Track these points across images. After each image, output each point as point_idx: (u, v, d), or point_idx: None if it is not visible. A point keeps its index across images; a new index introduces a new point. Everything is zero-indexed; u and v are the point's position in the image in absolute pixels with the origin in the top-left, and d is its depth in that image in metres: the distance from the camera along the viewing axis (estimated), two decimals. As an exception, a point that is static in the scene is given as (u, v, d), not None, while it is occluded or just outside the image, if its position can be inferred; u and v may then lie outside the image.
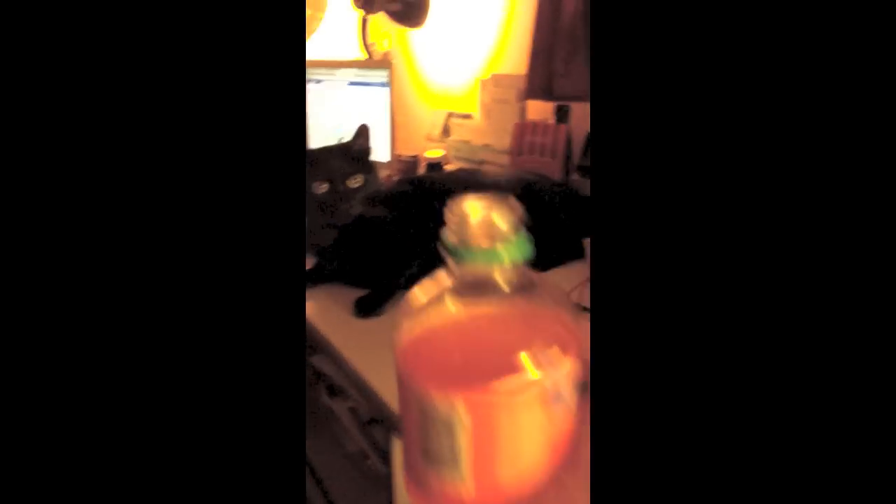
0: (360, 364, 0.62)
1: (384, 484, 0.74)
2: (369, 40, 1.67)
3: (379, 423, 0.75)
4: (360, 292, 0.76)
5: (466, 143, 1.27)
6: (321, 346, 0.71)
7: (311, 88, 1.39)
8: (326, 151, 0.78)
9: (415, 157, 1.30)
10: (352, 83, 1.29)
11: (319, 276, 0.82)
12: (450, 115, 1.41)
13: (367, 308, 0.72)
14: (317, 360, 0.87)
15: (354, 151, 0.78)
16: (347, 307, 0.74)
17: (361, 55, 1.68)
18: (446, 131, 1.41)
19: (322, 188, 0.75)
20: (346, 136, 0.80)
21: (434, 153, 1.19)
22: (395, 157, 1.28)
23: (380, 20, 1.53)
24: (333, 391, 0.86)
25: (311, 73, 1.38)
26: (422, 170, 1.25)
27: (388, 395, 0.55)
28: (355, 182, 0.76)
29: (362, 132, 0.78)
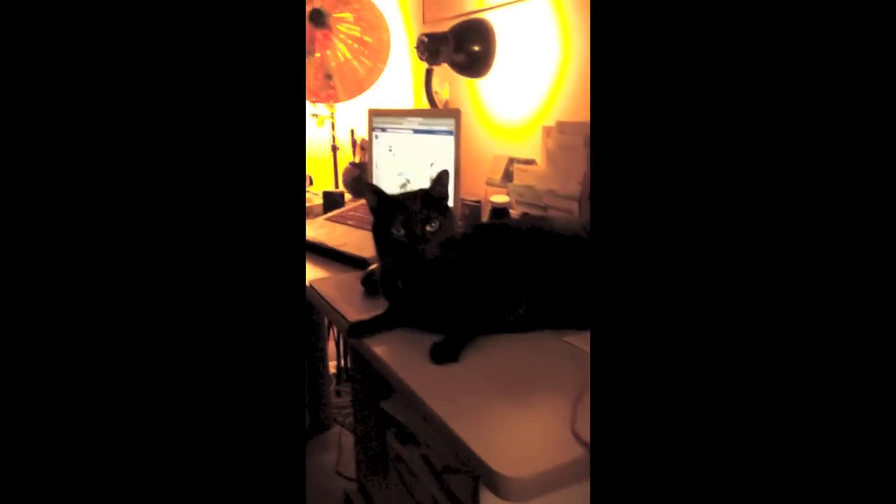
0: (439, 410, 0.61)
1: (458, 536, 0.72)
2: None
3: (455, 472, 0.73)
4: (435, 337, 0.75)
5: (530, 188, 1.27)
6: (398, 391, 0.70)
7: (377, 136, 1.43)
8: (405, 196, 0.80)
9: (478, 201, 1.32)
10: (417, 131, 1.32)
11: (393, 320, 0.82)
12: (511, 160, 1.43)
13: (443, 355, 0.72)
14: (387, 406, 0.87)
15: (433, 196, 0.79)
16: (422, 352, 0.74)
17: (417, 103, 1.73)
18: (507, 176, 1.42)
19: (400, 232, 0.77)
20: (412, 182, 0.81)
21: (499, 198, 1.20)
22: (460, 202, 1.30)
23: (443, 71, 1.58)
24: (404, 438, 0.85)
25: (377, 122, 1.43)
26: (485, 214, 1.26)
27: (471, 441, 0.54)
28: (433, 226, 0.77)
29: (441, 178, 0.79)
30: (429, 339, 0.75)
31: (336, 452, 1.79)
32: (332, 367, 2.19)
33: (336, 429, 1.93)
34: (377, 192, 0.80)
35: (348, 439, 1.85)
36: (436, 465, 0.77)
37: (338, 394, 2.10)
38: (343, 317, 0.87)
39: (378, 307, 0.86)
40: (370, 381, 0.91)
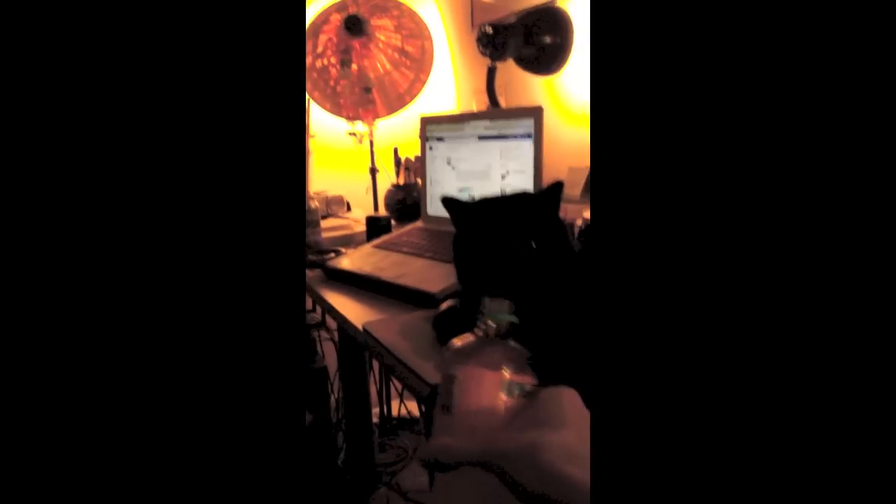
0: None
1: None
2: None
3: None
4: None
5: (626, 201, 1.03)
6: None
7: (431, 147, 1.21)
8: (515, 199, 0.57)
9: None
10: (483, 137, 1.09)
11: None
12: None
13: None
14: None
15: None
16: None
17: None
18: (589, 191, 1.18)
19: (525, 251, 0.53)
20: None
21: (594, 214, 0.96)
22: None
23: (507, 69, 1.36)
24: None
25: (431, 131, 1.21)
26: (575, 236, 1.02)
27: None
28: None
29: (554, 191, 0.56)
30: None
31: (385, 522, 1.53)
32: (374, 414, 1.95)
33: (382, 490, 1.66)
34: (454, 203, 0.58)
35: (397, 504, 1.59)
36: None
37: (382, 448, 1.84)
38: (417, 375, 0.63)
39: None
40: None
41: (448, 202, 0.62)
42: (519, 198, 0.59)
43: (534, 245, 0.54)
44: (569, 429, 0.34)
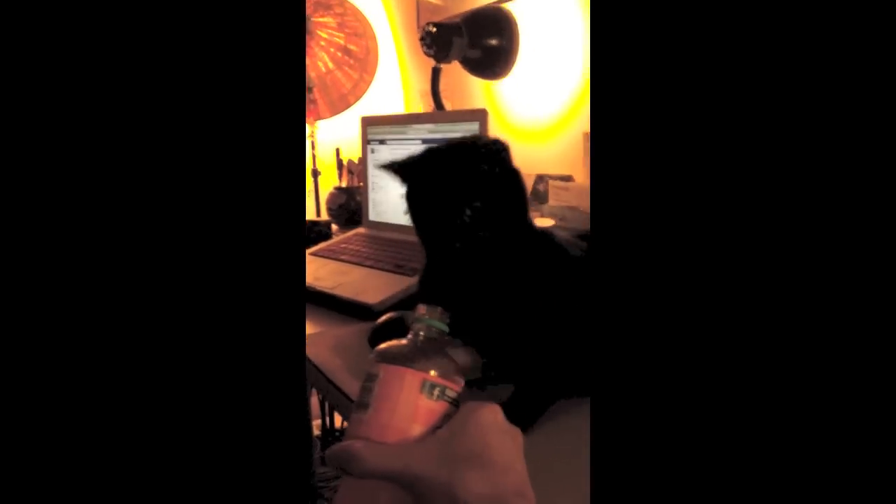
0: None
1: None
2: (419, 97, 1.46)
3: None
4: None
5: (573, 209, 1.01)
6: None
7: (373, 150, 1.16)
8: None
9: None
10: (427, 141, 1.05)
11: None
12: (539, 178, 1.17)
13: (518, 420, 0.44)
14: None
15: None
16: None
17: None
18: (536, 197, 1.16)
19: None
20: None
21: (542, 223, 0.94)
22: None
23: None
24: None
25: (373, 133, 1.16)
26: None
27: None
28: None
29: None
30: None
31: (324, 541, 1.46)
32: (315, 426, 1.87)
33: (323, 507, 1.59)
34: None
35: (338, 521, 1.52)
36: None
37: (323, 461, 1.77)
38: (348, 397, 0.58)
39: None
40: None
41: (389, 167, 0.58)
42: (463, 147, 0.55)
43: (478, 205, 0.51)
44: (491, 465, 0.32)
